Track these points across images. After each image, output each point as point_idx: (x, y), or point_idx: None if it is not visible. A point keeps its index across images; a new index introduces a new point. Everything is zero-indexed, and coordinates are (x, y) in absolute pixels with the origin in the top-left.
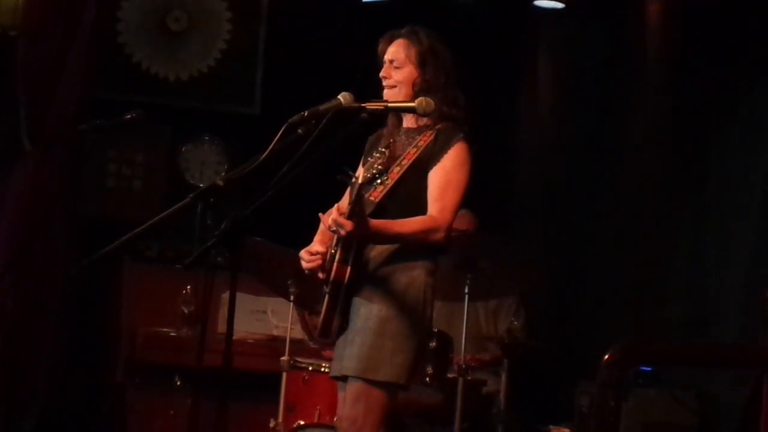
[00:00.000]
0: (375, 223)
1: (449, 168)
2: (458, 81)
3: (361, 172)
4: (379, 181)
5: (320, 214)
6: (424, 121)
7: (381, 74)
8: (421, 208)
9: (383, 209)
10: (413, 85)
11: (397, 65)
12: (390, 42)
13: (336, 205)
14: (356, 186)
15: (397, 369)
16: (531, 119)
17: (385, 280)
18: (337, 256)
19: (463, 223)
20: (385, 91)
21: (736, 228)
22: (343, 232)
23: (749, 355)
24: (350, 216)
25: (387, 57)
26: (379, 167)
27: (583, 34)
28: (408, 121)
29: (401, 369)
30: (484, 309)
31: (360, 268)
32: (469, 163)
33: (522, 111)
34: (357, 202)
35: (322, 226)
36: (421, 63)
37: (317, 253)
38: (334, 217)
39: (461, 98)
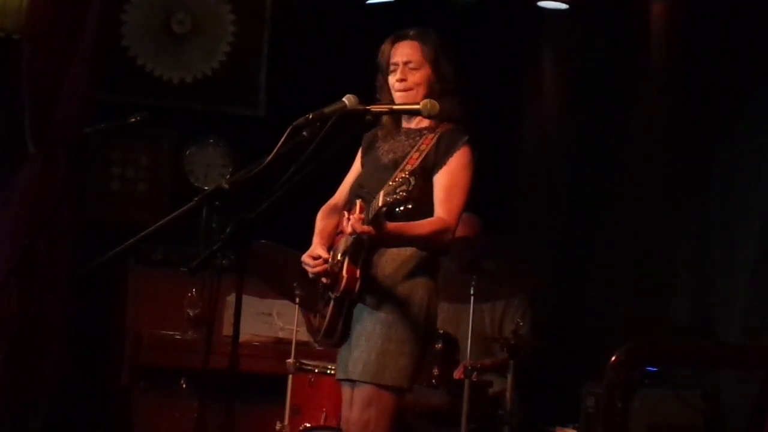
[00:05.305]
0: (391, 226)
1: (455, 171)
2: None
3: (381, 196)
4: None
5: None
6: (424, 122)
7: (397, 77)
8: (425, 210)
9: (390, 213)
10: (430, 86)
11: (414, 66)
12: (395, 44)
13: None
14: (375, 207)
15: (403, 372)
16: (535, 120)
17: (389, 286)
18: (346, 265)
19: (467, 227)
20: (399, 94)
21: (740, 228)
22: (364, 237)
23: (755, 355)
24: (370, 222)
25: (400, 59)
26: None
27: (587, 35)
28: (407, 121)
29: (406, 372)
30: (491, 311)
31: (367, 275)
32: (473, 166)
33: (526, 112)
34: (376, 218)
35: (319, 227)
36: (436, 63)
37: (319, 257)
38: (353, 223)
39: (461, 97)
